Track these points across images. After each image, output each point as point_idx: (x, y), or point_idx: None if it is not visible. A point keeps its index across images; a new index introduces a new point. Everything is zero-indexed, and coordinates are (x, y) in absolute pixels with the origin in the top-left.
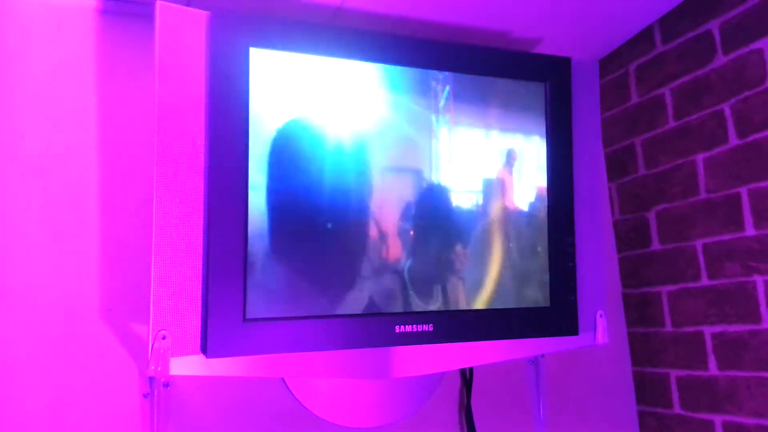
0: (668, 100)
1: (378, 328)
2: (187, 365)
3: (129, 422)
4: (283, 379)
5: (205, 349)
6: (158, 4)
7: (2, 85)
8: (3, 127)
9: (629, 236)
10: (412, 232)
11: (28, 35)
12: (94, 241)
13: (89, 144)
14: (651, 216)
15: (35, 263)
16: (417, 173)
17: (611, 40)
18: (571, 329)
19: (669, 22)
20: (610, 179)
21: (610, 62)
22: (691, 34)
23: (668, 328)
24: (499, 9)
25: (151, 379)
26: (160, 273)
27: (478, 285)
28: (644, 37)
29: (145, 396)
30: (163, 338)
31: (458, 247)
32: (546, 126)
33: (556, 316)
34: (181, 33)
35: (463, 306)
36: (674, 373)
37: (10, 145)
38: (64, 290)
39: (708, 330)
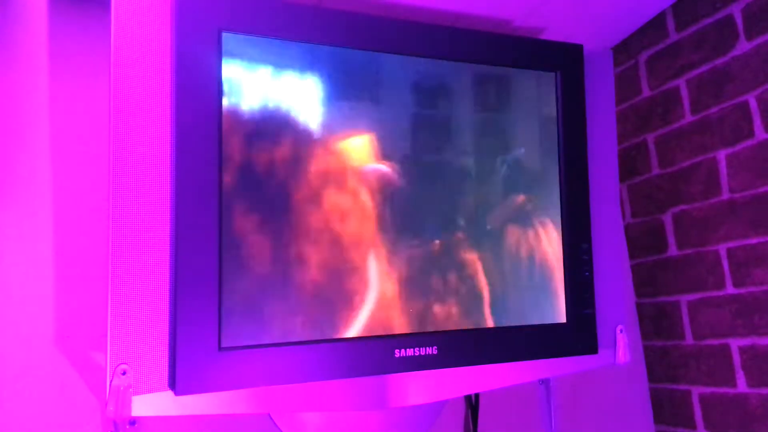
0: (684, 92)
1: (375, 353)
2: (153, 404)
3: None
4: (269, 414)
5: (173, 385)
6: None
7: None
8: None
9: (643, 241)
10: (411, 243)
11: None
12: (48, 258)
13: (40, 150)
14: (667, 219)
15: None
16: (412, 173)
17: (619, 30)
18: (591, 347)
19: (683, 8)
20: (621, 179)
21: (618, 53)
22: (709, 21)
23: (689, 341)
24: None
25: (114, 420)
26: (118, 297)
27: (485, 300)
28: (656, 25)
29: None
30: (123, 373)
31: (463, 258)
32: (557, 120)
33: (573, 333)
34: (142, 16)
35: (470, 325)
36: (697, 390)
37: None
38: (14, 316)
39: (735, 343)
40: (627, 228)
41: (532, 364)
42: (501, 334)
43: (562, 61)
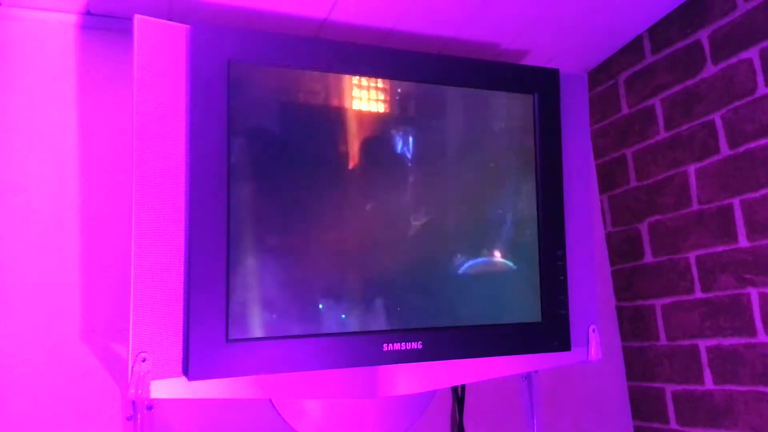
0: (658, 110)
1: (365, 346)
2: (169, 388)
3: None
4: (270, 400)
5: (187, 371)
6: (136, 18)
7: None
8: None
9: (622, 248)
10: (400, 248)
11: (11, 50)
12: (74, 259)
13: (70, 161)
14: (643, 228)
15: (14, 284)
16: (403, 187)
17: (600, 51)
18: (564, 345)
19: (658, 32)
20: (602, 191)
21: (599, 73)
22: (681, 44)
23: (663, 341)
24: (486, 20)
25: (134, 402)
26: (139, 293)
27: (468, 300)
28: (633, 48)
29: (128, 419)
30: (143, 360)
31: (448, 262)
32: (535, 138)
33: (547, 331)
34: (161, 47)
35: (452, 322)
36: (669, 388)
37: None
38: (44, 312)
39: (703, 343)
40: (608, 236)
41: (510, 359)
42: (480, 331)
43: (539, 83)
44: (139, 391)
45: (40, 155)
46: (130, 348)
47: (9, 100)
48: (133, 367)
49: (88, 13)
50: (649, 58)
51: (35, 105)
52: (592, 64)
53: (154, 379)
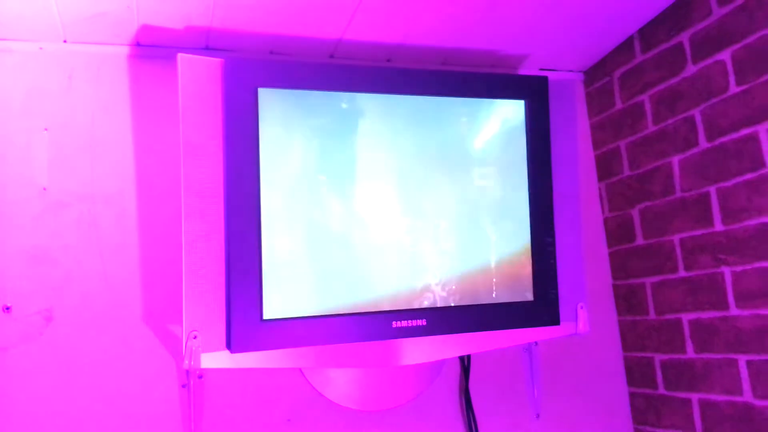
0: (647, 106)
1: (377, 323)
2: (215, 360)
3: (171, 408)
4: (300, 369)
5: (229, 346)
6: (179, 57)
7: (54, 122)
8: (56, 159)
9: (618, 232)
10: (408, 239)
11: (76, 78)
12: (135, 256)
13: (128, 170)
14: (635, 213)
15: (88, 278)
16: (413, 185)
17: (596, 51)
18: (554, 320)
19: (647, 33)
20: (600, 179)
21: (596, 71)
22: (666, 45)
23: (652, 316)
24: (485, 30)
25: (187, 372)
26: (191, 284)
27: (468, 283)
28: (626, 47)
29: (183, 386)
30: (195, 338)
31: (450, 251)
32: (526, 139)
33: (539, 308)
34: (200, 78)
35: (452, 302)
36: (658, 357)
37: (61, 174)
38: (112, 301)
39: (685, 317)
40: (606, 221)
41: (506, 333)
42: (476, 309)
43: (529, 91)
44: (192, 363)
45: (102, 166)
46: (184, 328)
47: (76, 121)
48: (186, 343)
49: (137, 44)
50: (639, 57)
51: (97, 124)
52: (589, 63)
53: (203, 352)
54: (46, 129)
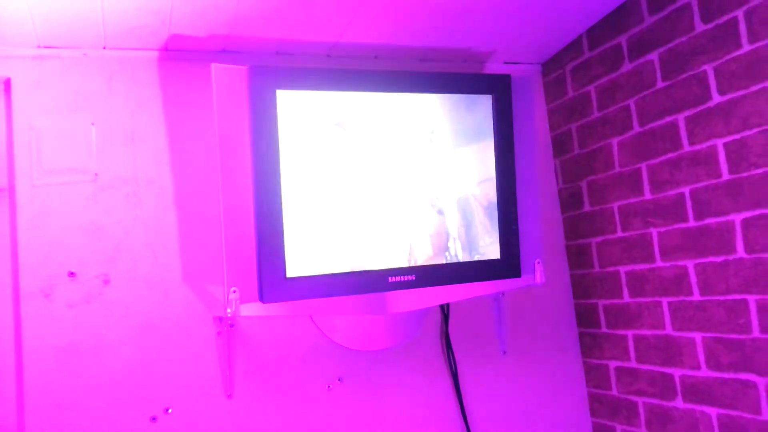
0: (593, 95)
1: (376, 279)
2: (250, 309)
3: (209, 352)
4: (311, 318)
5: (262, 298)
6: (213, 66)
7: (99, 118)
8: (103, 149)
9: (569, 201)
10: (401, 212)
11: (115, 80)
12: (173, 228)
13: (163, 157)
14: (584, 185)
15: (135, 246)
16: (403, 165)
17: (551, 47)
18: (516, 274)
19: (593, 34)
20: (555, 156)
21: (552, 64)
22: (609, 44)
23: (596, 269)
24: (459, 31)
25: (223, 322)
26: (229, 250)
27: (447, 246)
28: (576, 45)
29: (218, 334)
30: (234, 292)
31: (436, 221)
32: (494, 127)
33: (504, 264)
34: (230, 83)
35: (435, 261)
36: (601, 302)
37: (108, 161)
38: (157, 265)
39: (623, 269)
40: (560, 192)
41: (477, 285)
42: (455, 266)
43: (495, 86)
44: (233, 310)
45: (142, 154)
46: (225, 284)
47: (118, 116)
48: (227, 297)
49: (166, 49)
50: (587, 54)
51: (135, 118)
52: (546, 57)
53: (241, 303)
54: (93, 124)
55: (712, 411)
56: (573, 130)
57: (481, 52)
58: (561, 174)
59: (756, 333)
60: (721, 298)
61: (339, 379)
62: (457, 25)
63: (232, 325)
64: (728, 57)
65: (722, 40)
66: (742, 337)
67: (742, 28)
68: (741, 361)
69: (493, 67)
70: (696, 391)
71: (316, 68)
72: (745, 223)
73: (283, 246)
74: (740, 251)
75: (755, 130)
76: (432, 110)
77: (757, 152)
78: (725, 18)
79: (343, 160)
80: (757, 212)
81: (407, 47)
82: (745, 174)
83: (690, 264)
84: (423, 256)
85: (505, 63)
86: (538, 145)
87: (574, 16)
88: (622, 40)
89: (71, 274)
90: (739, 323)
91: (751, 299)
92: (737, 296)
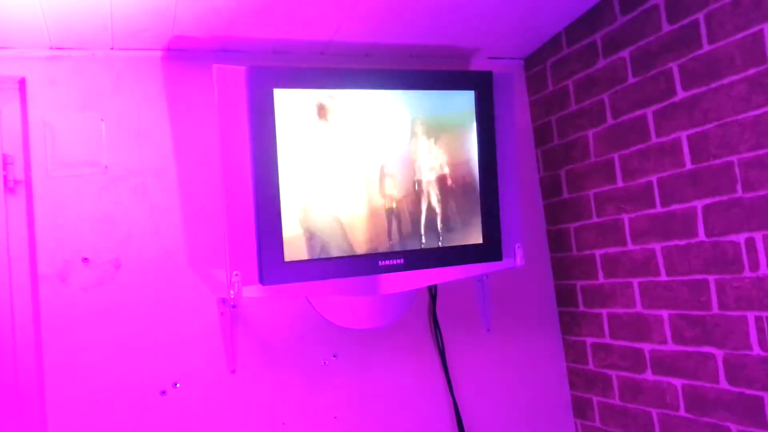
0: (571, 89)
1: (367, 263)
2: (252, 291)
3: (212, 331)
4: (308, 299)
5: (261, 280)
6: (214, 67)
7: (108, 114)
8: (112, 143)
9: (549, 188)
10: (391, 201)
11: (121, 79)
12: (178, 216)
13: (168, 150)
14: (562, 173)
15: (144, 233)
16: (392, 157)
17: (533, 43)
18: (497, 257)
19: (571, 31)
20: (537, 146)
21: (533, 59)
22: (585, 42)
23: (574, 252)
24: (447, 30)
25: (226, 303)
26: (231, 237)
27: (434, 232)
28: (556, 41)
29: (221, 314)
30: (236, 275)
31: (424, 209)
32: (476, 120)
33: (486, 248)
34: (230, 83)
35: (422, 246)
36: (579, 284)
37: (118, 154)
38: (164, 250)
39: (598, 252)
40: (541, 180)
41: (462, 267)
42: (440, 251)
43: (478, 82)
44: (235, 292)
45: (149, 147)
46: (228, 268)
47: (126, 112)
48: (230, 279)
49: (169, 49)
50: (566, 50)
51: (142, 114)
52: (528, 52)
53: (243, 286)
54: (102, 119)
55: (678, 382)
56: (553, 122)
57: (468, 49)
58: (542, 163)
59: (715, 309)
60: (685, 278)
61: (334, 356)
62: (445, 25)
63: (234, 306)
64: (691, 56)
65: (686, 40)
66: (703, 313)
67: (703, 29)
68: (702, 336)
69: (479, 63)
70: (663, 364)
71: (309, 68)
72: (706, 209)
73: (281, 233)
74: (701, 235)
75: (714, 123)
76: (421, 104)
77: (716, 144)
78: (688, 19)
79: (336, 153)
80: (716, 199)
81: (397, 45)
82: (705, 164)
83: (657, 247)
84: (412, 240)
85: (490, 58)
86: (519, 137)
87: (553, 15)
88: (597, 38)
89: (85, 259)
90: (700, 300)
91: (711, 279)
92: (699, 276)
